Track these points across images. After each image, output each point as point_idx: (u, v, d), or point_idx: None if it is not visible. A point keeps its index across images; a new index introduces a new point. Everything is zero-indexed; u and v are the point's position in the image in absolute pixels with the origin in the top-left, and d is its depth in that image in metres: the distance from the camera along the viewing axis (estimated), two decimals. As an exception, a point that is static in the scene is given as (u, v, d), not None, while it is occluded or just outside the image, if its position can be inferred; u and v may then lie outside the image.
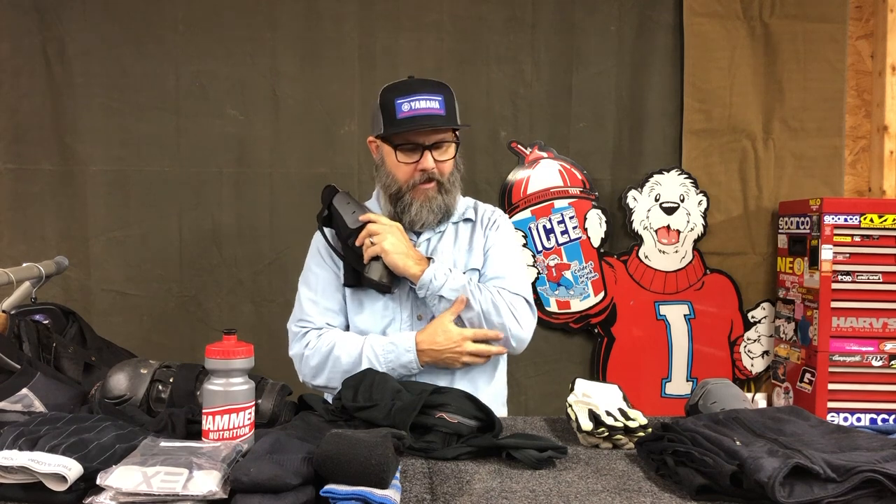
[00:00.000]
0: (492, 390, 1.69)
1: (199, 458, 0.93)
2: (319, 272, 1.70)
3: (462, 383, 1.61)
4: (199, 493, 0.87)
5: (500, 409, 1.74)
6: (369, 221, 1.61)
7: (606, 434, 1.23)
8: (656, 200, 2.79)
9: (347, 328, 1.71)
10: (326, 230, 1.69)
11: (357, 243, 1.61)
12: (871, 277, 2.53)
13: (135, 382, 1.21)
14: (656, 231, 2.80)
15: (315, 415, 1.24)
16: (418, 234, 1.71)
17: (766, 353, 2.87)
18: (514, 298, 1.62)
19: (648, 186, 2.79)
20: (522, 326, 1.61)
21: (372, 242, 1.58)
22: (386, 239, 1.57)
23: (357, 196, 2.70)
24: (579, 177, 2.80)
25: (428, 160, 1.60)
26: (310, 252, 1.75)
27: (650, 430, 1.21)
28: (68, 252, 2.37)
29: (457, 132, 1.68)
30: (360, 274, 1.62)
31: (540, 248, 2.79)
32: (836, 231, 2.51)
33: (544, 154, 2.79)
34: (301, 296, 1.71)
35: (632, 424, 1.23)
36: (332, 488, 0.89)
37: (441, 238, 1.71)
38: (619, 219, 2.83)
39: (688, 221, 2.81)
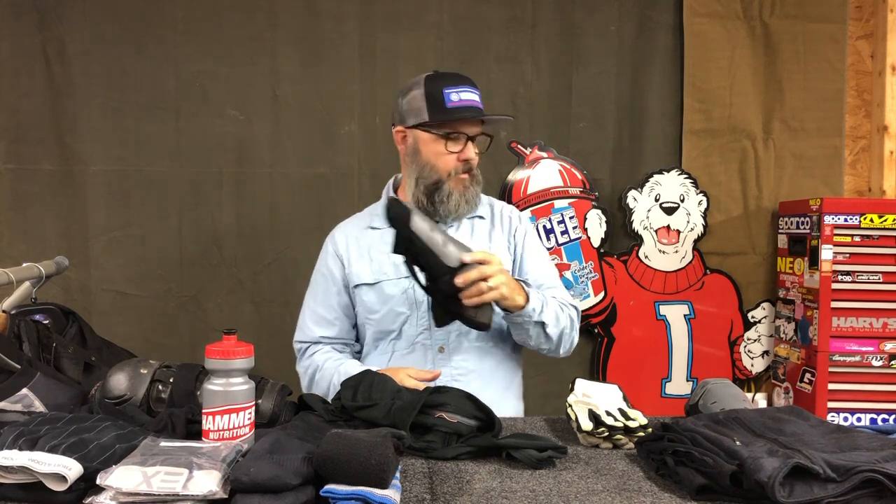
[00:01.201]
0: (514, 391, 1.73)
1: (199, 458, 0.93)
2: (319, 279, 1.72)
3: (493, 384, 1.63)
4: (199, 492, 0.87)
5: (517, 405, 1.73)
6: (478, 262, 1.40)
7: (606, 434, 1.23)
8: (656, 200, 2.79)
9: (356, 336, 1.73)
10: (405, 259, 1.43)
11: (461, 283, 1.38)
12: (871, 277, 2.53)
13: (135, 382, 1.21)
14: (656, 231, 2.80)
15: (315, 415, 1.24)
16: None
17: (766, 353, 2.86)
18: (572, 310, 1.66)
19: (648, 186, 2.79)
20: (578, 333, 1.68)
21: (490, 286, 1.39)
22: (503, 283, 1.42)
23: (356, 195, 2.75)
24: (579, 177, 2.79)
25: (470, 151, 1.60)
26: (319, 257, 1.75)
27: (650, 430, 1.21)
28: (68, 252, 2.37)
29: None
30: (451, 312, 1.46)
31: (540, 248, 2.79)
32: (836, 231, 2.51)
33: (544, 154, 2.79)
34: (304, 303, 1.74)
35: (632, 424, 1.23)
36: (332, 488, 0.89)
37: (456, 232, 1.68)
38: (619, 219, 2.83)
39: (688, 221, 2.81)
